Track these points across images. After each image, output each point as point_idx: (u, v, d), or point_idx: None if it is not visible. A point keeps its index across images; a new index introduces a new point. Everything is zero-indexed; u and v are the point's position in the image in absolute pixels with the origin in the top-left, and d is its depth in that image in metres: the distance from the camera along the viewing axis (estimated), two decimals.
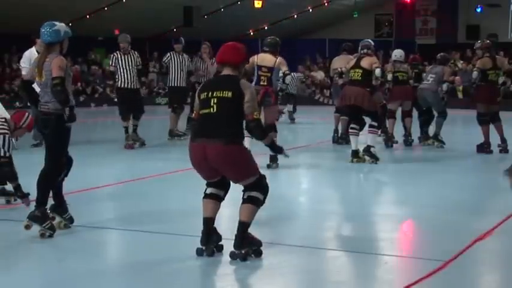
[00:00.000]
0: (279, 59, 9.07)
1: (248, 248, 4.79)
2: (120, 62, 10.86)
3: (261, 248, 4.85)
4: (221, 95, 4.72)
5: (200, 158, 4.73)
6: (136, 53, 11.09)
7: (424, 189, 7.86)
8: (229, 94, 4.71)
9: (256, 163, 4.84)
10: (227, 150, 4.64)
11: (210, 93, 4.77)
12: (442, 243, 5.32)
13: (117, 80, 10.99)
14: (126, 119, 10.99)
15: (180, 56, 12.13)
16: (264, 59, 9.07)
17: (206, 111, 4.75)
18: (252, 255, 4.81)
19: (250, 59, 9.14)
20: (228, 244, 4.84)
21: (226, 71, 4.87)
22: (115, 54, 10.95)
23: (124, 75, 10.83)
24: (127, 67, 10.83)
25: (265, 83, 8.91)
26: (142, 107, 11.08)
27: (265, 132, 4.94)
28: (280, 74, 9.13)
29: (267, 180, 4.88)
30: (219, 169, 4.77)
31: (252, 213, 4.77)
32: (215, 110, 4.71)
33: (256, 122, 4.80)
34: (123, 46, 10.94)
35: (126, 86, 10.86)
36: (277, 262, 4.81)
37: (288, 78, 9.20)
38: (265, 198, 4.83)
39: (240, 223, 4.76)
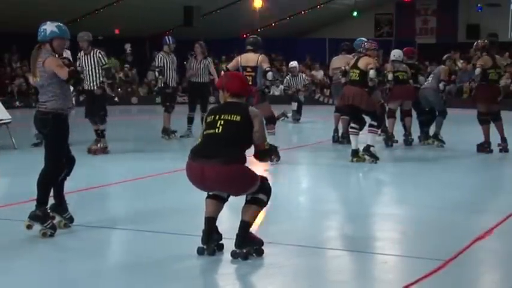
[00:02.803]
0: (261, 56, 9.32)
1: (249, 247, 4.80)
2: (82, 62, 10.18)
3: (262, 247, 4.86)
4: (229, 118, 4.75)
5: (197, 178, 4.74)
6: (99, 52, 10.22)
7: (424, 188, 7.86)
8: (238, 118, 4.73)
9: (255, 173, 4.82)
10: (225, 170, 4.62)
11: (218, 116, 4.79)
12: (442, 243, 5.32)
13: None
14: (90, 122, 10.42)
15: (170, 56, 12.13)
16: (248, 59, 9.32)
17: (211, 131, 4.77)
18: (254, 254, 4.82)
19: (234, 60, 9.57)
20: (229, 243, 4.85)
21: (233, 99, 4.91)
22: (78, 54, 10.28)
23: (85, 76, 10.14)
24: (87, 67, 10.14)
25: (250, 83, 9.08)
26: (99, 109, 10.21)
27: (270, 156, 4.99)
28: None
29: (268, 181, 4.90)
30: (218, 188, 4.79)
31: (255, 213, 4.79)
32: (220, 131, 4.72)
33: (266, 151, 4.90)
34: (82, 45, 10.20)
35: (86, 87, 10.22)
36: (278, 261, 4.82)
37: (269, 75, 9.30)
38: (268, 199, 4.85)
39: (242, 222, 4.77)
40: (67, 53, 10.03)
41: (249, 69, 9.21)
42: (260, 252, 4.85)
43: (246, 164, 4.77)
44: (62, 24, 5.58)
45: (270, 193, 4.86)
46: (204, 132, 4.84)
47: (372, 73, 9.33)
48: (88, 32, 10.29)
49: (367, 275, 4.64)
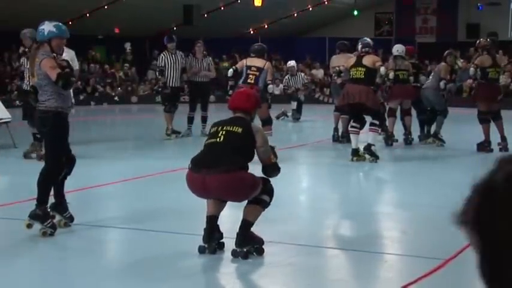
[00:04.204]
0: (268, 64, 9.60)
1: (250, 246, 4.81)
2: (25, 60, 9.27)
3: (263, 247, 4.87)
4: (231, 129, 4.82)
5: (199, 189, 4.77)
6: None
7: (423, 187, 7.86)
8: (239, 130, 4.80)
9: (256, 178, 4.81)
10: (226, 179, 4.63)
11: (220, 127, 4.87)
12: (442, 242, 5.32)
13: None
14: (29, 125, 9.48)
15: (173, 56, 12.05)
16: (253, 61, 9.56)
17: (212, 140, 4.83)
18: (254, 253, 4.83)
19: (240, 62, 9.88)
20: (230, 242, 4.85)
21: (239, 115, 4.99)
22: (20, 50, 9.44)
23: (27, 76, 9.21)
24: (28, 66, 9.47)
25: (252, 81, 9.27)
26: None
27: (279, 170, 5.03)
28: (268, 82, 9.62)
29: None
30: (220, 197, 4.81)
31: (257, 213, 4.81)
32: (221, 140, 4.78)
33: (274, 166, 4.95)
34: (25, 43, 9.29)
35: (27, 88, 9.16)
36: (278, 260, 4.82)
37: (269, 88, 9.66)
38: (271, 200, 4.86)
39: (243, 221, 4.79)
40: (70, 52, 10.00)
41: (253, 69, 9.39)
42: (260, 251, 4.85)
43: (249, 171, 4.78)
44: (60, 24, 5.57)
45: (273, 194, 4.88)
46: (206, 142, 4.88)
47: (382, 70, 9.37)
48: (32, 29, 9.16)
49: (367, 274, 4.64)
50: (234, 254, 4.80)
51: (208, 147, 4.84)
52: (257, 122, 5.16)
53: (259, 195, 4.80)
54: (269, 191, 4.85)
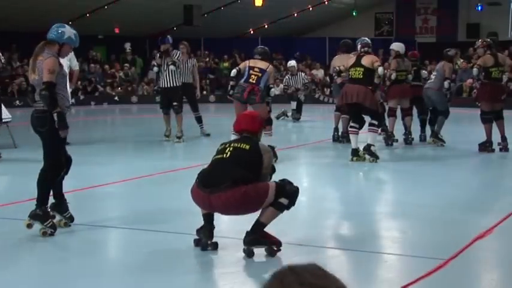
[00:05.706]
0: (271, 67, 9.58)
1: (260, 245, 4.85)
2: None
3: (274, 247, 4.88)
4: (238, 146, 4.89)
5: (205, 206, 4.85)
6: None
7: (424, 187, 7.86)
8: (247, 147, 4.87)
9: (265, 187, 4.79)
10: (230, 197, 4.66)
11: (228, 144, 4.95)
12: (442, 242, 5.32)
13: None
14: None
15: (168, 57, 11.94)
16: (257, 62, 9.56)
17: (219, 156, 4.89)
18: (266, 253, 4.86)
19: (243, 63, 9.87)
20: (229, 242, 4.85)
21: (245, 135, 5.07)
22: None
23: None
24: None
25: (254, 81, 9.28)
26: None
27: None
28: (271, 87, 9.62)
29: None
30: (229, 214, 4.90)
31: (272, 216, 4.84)
32: (228, 156, 4.84)
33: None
34: None
35: None
36: (277, 260, 4.81)
37: (272, 91, 9.59)
38: (291, 203, 4.84)
39: (256, 221, 4.83)
40: (70, 54, 10.02)
41: (256, 70, 9.40)
42: (272, 253, 4.85)
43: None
44: (77, 34, 5.64)
45: (295, 197, 4.86)
46: (213, 158, 4.95)
47: (380, 70, 9.36)
48: None
49: (367, 274, 4.64)
50: (244, 250, 4.83)
51: (215, 164, 4.89)
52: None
53: (276, 199, 4.80)
54: (288, 194, 4.84)
